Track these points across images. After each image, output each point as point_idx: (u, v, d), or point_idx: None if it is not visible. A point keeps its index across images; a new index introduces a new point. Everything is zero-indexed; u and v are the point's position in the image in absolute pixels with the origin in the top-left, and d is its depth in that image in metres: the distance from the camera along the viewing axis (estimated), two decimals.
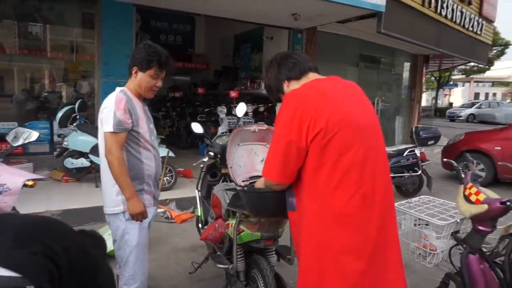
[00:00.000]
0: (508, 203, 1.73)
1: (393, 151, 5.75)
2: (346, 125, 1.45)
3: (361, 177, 1.45)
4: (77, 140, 5.24)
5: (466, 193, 1.90)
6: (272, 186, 1.66)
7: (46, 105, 6.98)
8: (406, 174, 5.68)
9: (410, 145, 5.90)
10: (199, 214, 3.36)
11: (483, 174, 6.69)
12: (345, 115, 1.47)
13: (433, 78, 31.17)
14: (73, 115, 5.44)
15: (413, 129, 5.83)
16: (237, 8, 6.15)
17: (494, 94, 45.83)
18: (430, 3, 7.21)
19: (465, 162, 2.18)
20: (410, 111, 11.68)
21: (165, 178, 5.32)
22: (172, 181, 5.45)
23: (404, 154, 5.74)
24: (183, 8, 6.28)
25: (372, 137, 1.55)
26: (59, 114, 5.39)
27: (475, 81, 43.55)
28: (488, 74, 38.73)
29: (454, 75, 33.15)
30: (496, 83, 46.96)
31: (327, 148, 1.44)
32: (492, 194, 1.89)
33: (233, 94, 7.30)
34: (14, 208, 2.01)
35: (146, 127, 2.20)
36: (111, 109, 2.02)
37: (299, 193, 1.57)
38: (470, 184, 1.91)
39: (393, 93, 10.96)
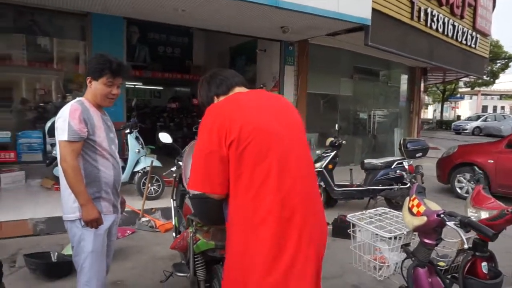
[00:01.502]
0: (441, 215, 1.74)
1: (381, 163, 5.73)
2: (260, 135, 1.49)
3: (279, 185, 1.47)
4: None
5: (410, 205, 1.91)
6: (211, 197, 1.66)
7: (44, 115, 7.12)
8: (395, 187, 5.65)
9: (398, 158, 5.88)
10: (174, 223, 3.39)
11: None
12: (259, 124, 1.51)
13: (439, 91, 31.04)
14: None
15: (401, 141, 5.81)
16: (226, 22, 6.27)
17: (503, 107, 45.40)
18: (419, 16, 7.27)
19: (413, 174, 2.19)
20: (409, 124, 11.65)
21: (152, 188, 5.37)
22: (159, 190, 5.49)
23: (392, 167, 5.73)
24: (174, 21, 6.42)
25: (292, 146, 1.57)
26: (48, 124, 5.52)
27: (482, 94, 43.25)
28: (495, 87, 38.48)
29: (460, 88, 32.99)
30: (504, 96, 46.58)
31: (242, 157, 1.48)
32: (434, 206, 1.89)
33: None
34: None
35: (103, 136, 2.25)
36: (66, 118, 2.09)
37: (230, 202, 1.59)
38: (414, 196, 1.92)
39: (391, 105, 10.96)
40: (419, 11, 7.23)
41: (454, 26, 8.39)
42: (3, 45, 6.73)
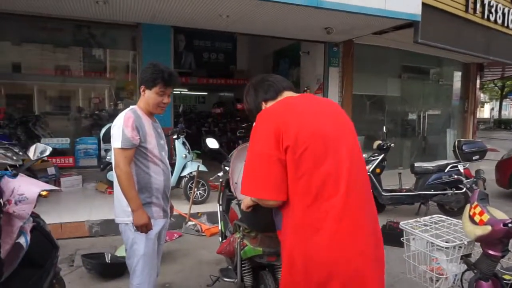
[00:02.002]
0: (509, 225, 1.58)
1: (433, 167, 5.42)
2: (317, 139, 1.46)
3: (337, 191, 1.44)
4: None
5: (471, 213, 1.76)
6: (265, 203, 1.59)
7: (98, 122, 7.58)
8: (449, 192, 5.32)
9: (453, 161, 5.52)
10: (220, 227, 3.43)
11: None
12: (315, 129, 1.49)
13: (496, 87, 28.89)
14: None
15: (456, 143, 5.45)
16: (269, 25, 6.28)
17: None
18: (475, 8, 6.79)
19: (474, 179, 2.02)
20: (464, 124, 10.93)
21: (197, 192, 5.48)
22: (205, 195, 5.59)
23: (446, 170, 5.39)
24: (218, 27, 6.54)
25: (347, 150, 1.53)
26: (102, 131, 5.84)
27: None
28: None
29: None
30: None
31: (300, 162, 1.44)
32: (499, 214, 1.73)
33: None
34: (37, 216, 2.22)
35: (154, 143, 2.33)
36: (120, 126, 2.18)
37: (285, 210, 1.55)
38: (475, 204, 1.77)
39: (442, 105, 10.35)
40: (474, 3, 6.75)
41: None
42: (63, 57, 7.26)
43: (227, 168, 3.18)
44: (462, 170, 5.27)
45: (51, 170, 5.77)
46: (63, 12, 5.61)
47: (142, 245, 2.27)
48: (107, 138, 5.84)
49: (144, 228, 2.21)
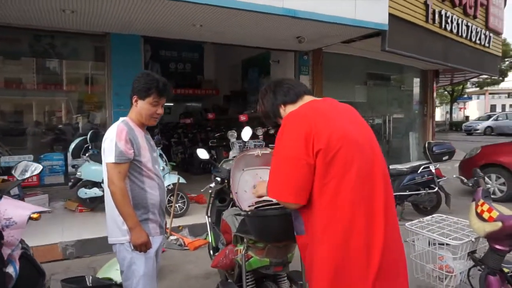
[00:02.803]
0: None
1: (406, 168, 5.63)
2: (347, 142, 1.47)
3: (366, 195, 1.46)
4: (90, 170, 5.32)
5: (478, 210, 1.82)
6: (287, 206, 1.60)
7: (61, 137, 7.15)
8: (422, 192, 5.54)
9: (424, 162, 5.77)
10: (210, 240, 3.32)
11: (504, 188, 6.47)
12: (345, 132, 1.49)
13: (446, 92, 30.84)
14: (85, 146, 5.55)
15: (426, 145, 5.71)
16: (242, 35, 6.29)
17: (511, 105, 44.88)
18: (434, 19, 7.22)
19: (475, 178, 2.10)
20: (424, 127, 11.52)
21: (177, 205, 5.30)
22: (184, 207, 5.43)
23: (419, 171, 5.62)
24: (190, 37, 6.47)
25: (371, 154, 1.55)
26: (72, 146, 5.52)
27: (490, 93, 42.91)
28: (502, 85, 38.14)
29: (467, 88, 32.76)
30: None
31: (331, 165, 1.44)
32: (505, 210, 1.80)
33: (242, 118, 7.35)
34: (22, 241, 2.03)
35: (148, 156, 2.21)
36: (113, 139, 2.05)
37: (309, 214, 1.54)
38: (481, 201, 1.83)
39: (405, 110, 10.87)
40: (433, 14, 7.19)
41: (467, 26, 8.33)
42: (17, 69, 6.82)
43: (218, 178, 3.10)
44: (433, 171, 5.52)
45: (13, 190, 5.33)
46: (25, 21, 5.28)
47: (141, 265, 2.13)
48: (76, 153, 5.53)
49: (143, 247, 2.08)
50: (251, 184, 2.50)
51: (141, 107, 2.17)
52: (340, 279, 1.43)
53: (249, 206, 2.44)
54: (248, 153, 2.44)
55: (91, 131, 5.69)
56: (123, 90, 5.95)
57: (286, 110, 1.70)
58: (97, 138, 5.91)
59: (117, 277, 3.40)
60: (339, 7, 5.43)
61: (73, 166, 6.06)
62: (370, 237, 1.43)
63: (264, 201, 2.49)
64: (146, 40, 6.66)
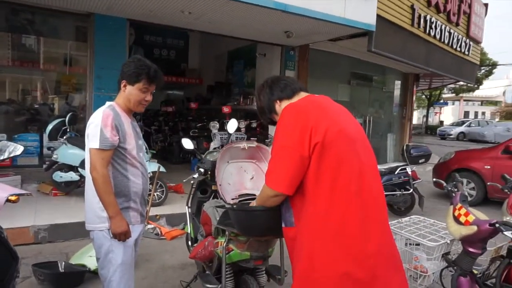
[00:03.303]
0: (497, 225, 1.73)
1: (384, 169, 5.76)
2: (342, 137, 1.51)
3: (358, 188, 1.49)
4: (67, 153, 5.18)
5: (456, 214, 1.89)
6: (270, 198, 1.62)
7: (36, 117, 6.90)
8: (397, 192, 5.69)
9: (402, 163, 5.92)
10: (189, 231, 3.30)
11: (473, 193, 6.74)
12: (342, 127, 1.54)
13: (423, 96, 31.68)
14: (63, 128, 5.39)
15: (404, 147, 5.86)
16: (230, 25, 6.22)
17: (483, 113, 46.63)
18: (419, 23, 7.37)
19: (454, 182, 2.18)
20: (402, 129, 11.79)
21: (155, 194, 5.24)
22: (163, 196, 5.38)
23: (396, 172, 5.76)
24: (177, 24, 6.33)
25: (363, 150, 1.60)
26: (49, 127, 5.33)
27: (464, 100, 44.36)
28: (477, 93, 39.56)
29: (444, 93, 33.75)
30: (485, 102, 47.89)
31: (328, 158, 1.48)
32: (481, 215, 1.88)
33: (226, 109, 7.31)
34: None
35: (133, 143, 2.16)
36: (98, 125, 1.99)
37: (299, 206, 1.57)
38: (459, 205, 1.90)
39: (385, 111, 11.08)
40: (419, 18, 7.33)
41: (450, 33, 8.56)
42: None
43: (201, 169, 3.08)
44: (410, 172, 5.67)
45: None
46: None
47: (119, 254, 2.10)
48: (53, 134, 5.36)
49: (122, 236, 2.04)
50: (235, 177, 2.50)
51: (129, 92, 2.12)
52: (340, 265, 1.46)
53: (232, 199, 2.45)
54: (234, 146, 2.43)
55: (70, 114, 5.51)
56: (106, 73, 5.80)
57: (282, 106, 1.73)
58: (76, 121, 5.75)
59: (90, 263, 3.36)
60: (329, 5, 5.45)
61: (48, 148, 5.87)
62: (367, 228, 1.48)
63: (247, 194, 2.51)
64: (131, 23, 6.49)
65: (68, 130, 5.41)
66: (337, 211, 1.47)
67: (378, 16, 6.06)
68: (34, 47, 6.85)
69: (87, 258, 3.39)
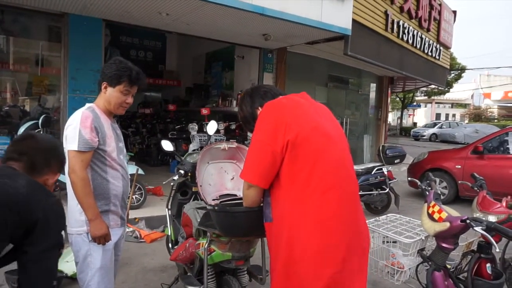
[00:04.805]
0: (468, 221, 1.82)
1: (361, 169, 5.90)
2: (318, 134, 1.55)
3: (334, 184, 1.53)
4: None
5: (430, 211, 1.97)
6: (246, 191, 1.67)
7: (6, 120, 6.65)
8: (374, 192, 5.83)
9: (378, 164, 6.07)
10: (169, 233, 3.28)
11: (446, 191, 6.99)
12: (318, 124, 1.58)
13: (398, 99, 32.58)
14: (36, 131, 5.22)
15: (380, 148, 6.02)
16: (208, 27, 6.22)
17: (454, 115, 48.36)
18: (392, 28, 7.60)
19: (428, 181, 2.27)
20: (377, 130, 12.10)
21: (134, 196, 5.16)
22: (142, 199, 5.32)
23: (373, 172, 5.90)
24: (154, 25, 6.27)
25: (341, 148, 1.64)
26: (21, 129, 5.16)
27: (436, 102, 45.88)
28: (447, 96, 41.03)
29: (417, 96, 34.82)
30: (455, 104, 49.74)
31: (301, 155, 1.51)
32: (453, 212, 1.97)
33: (204, 111, 7.29)
34: None
35: (114, 145, 2.14)
36: (76, 126, 1.96)
37: (277, 201, 1.60)
38: (433, 203, 1.98)
39: (361, 113, 11.33)
40: (392, 23, 7.56)
41: (421, 38, 8.87)
42: None
43: (181, 171, 3.07)
44: (386, 172, 5.83)
45: None
46: None
47: (98, 257, 2.07)
48: None
49: (102, 239, 2.02)
50: (215, 178, 2.51)
51: (110, 94, 2.09)
52: (314, 262, 1.49)
53: (213, 199, 2.46)
54: (215, 146, 2.44)
55: (43, 116, 5.35)
56: (81, 74, 5.67)
57: None
58: (49, 123, 5.58)
59: (67, 269, 3.28)
60: (306, 9, 5.54)
61: None
62: (344, 222, 1.52)
63: (228, 195, 2.52)
64: (107, 24, 6.37)
65: (41, 132, 5.25)
66: (313, 205, 1.50)
67: (354, 20, 6.22)
68: (4, 46, 6.61)
69: (64, 264, 3.31)
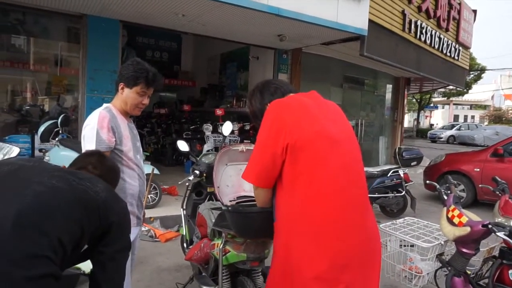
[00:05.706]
0: (489, 226, 1.77)
1: (377, 171, 5.82)
2: (322, 137, 1.52)
3: (338, 187, 1.49)
4: (59, 155, 5.12)
5: (449, 215, 1.93)
6: (256, 190, 1.69)
7: (27, 119, 6.82)
8: (390, 195, 5.75)
9: (394, 166, 5.98)
10: (184, 233, 3.30)
11: (464, 194, 6.83)
12: (322, 128, 1.54)
13: (414, 100, 32.06)
14: (55, 130, 5.34)
15: (396, 150, 5.93)
16: (223, 28, 6.24)
17: (473, 117, 47.32)
18: (410, 28, 7.48)
19: (447, 184, 2.22)
20: (393, 132, 11.92)
21: (149, 196, 5.22)
22: (157, 198, 5.37)
23: (388, 175, 5.82)
24: (170, 26, 6.33)
25: (348, 151, 1.60)
26: (41, 128, 5.28)
27: (454, 104, 44.97)
28: (466, 97, 40.15)
29: (434, 97, 34.20)
30: (474, 106, 48.63)
31: (302, 158, 1.49)
32: (473, 216, 1.92)
33: (219, 112, 7.32)
34: None
35: (130, 145, 2.16)
36: (94, 126, 1.99)
37: (279, 202, 1.59)
38: (453, 207, 1.94)
39: (377, 114, 11.19)
40: (410, 23, 7.44)
41: (440, 38, 8.70)
42: None
43: (197, 171, 3.09)
44: (402, 175, 5.74)
45: None
46: None
47: None
48: (45, 136, 5.30)
49: None
50: (234, 179, 2.51)
51: (127, 95, 2.12)
52: (314, 266, 1.46)
53: (230, 201, 2.46)
54: (233, 148, 2.44)
55: (62, 115, 5.47)
56: (98, 75, 5.78)
57: None
58: (68, 122, 5.70)
59: (85, 266, 3.31)
60: (322, 10, 5.51)
61: (40, 150, 5.79)
62: (345, 229, 1.48)
63: (245, 196, 2.52)
64: (124, 25, 6.47)
65: (60, 131, 5.36)
66: (312, 211, 1.48)
67: (370, 20, 6.14)
68: (24, 47, 6.78)
69: None
